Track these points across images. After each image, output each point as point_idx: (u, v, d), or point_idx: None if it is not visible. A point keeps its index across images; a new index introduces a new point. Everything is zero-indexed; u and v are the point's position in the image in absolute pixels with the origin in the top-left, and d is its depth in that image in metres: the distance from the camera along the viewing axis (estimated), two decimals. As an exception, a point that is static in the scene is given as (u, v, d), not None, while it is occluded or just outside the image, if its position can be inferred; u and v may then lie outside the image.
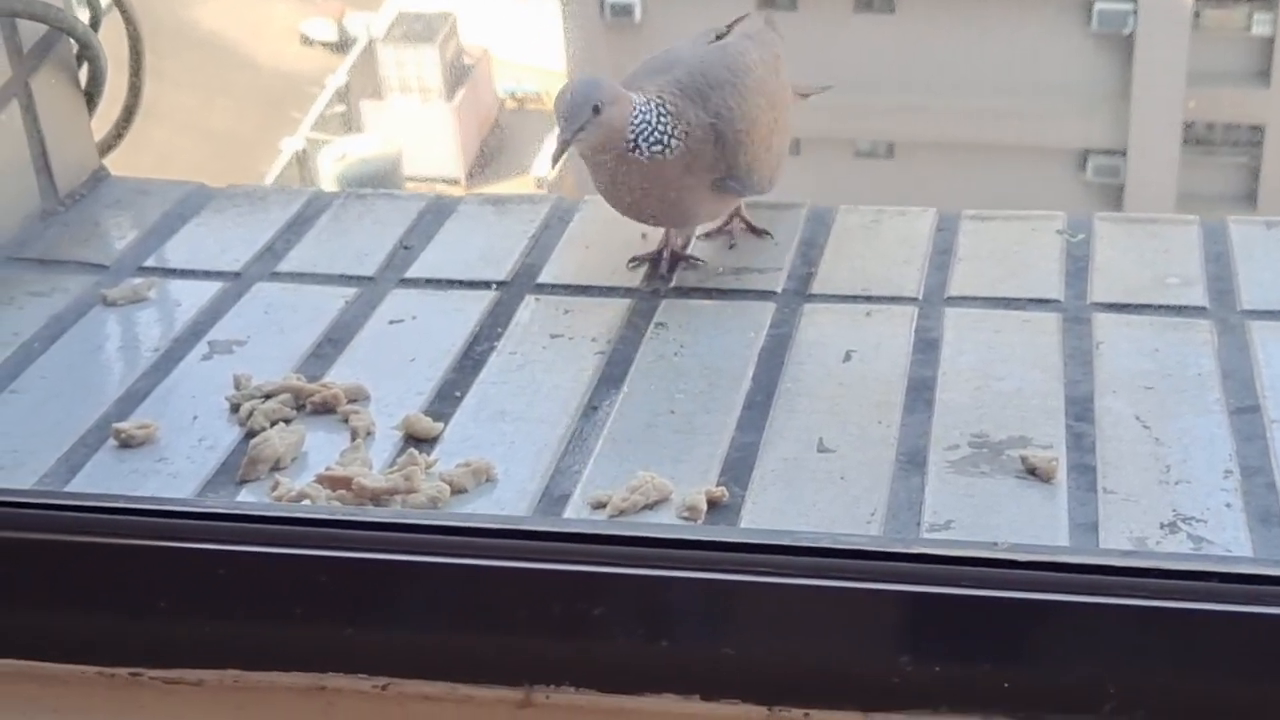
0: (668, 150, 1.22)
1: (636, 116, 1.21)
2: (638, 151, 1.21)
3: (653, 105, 1.22)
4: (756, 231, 1.31)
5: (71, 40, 1.37)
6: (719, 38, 1.33)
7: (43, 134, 1.35)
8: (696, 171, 1.24)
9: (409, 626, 0.91)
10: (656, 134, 1.22)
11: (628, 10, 8.56)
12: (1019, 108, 8.50)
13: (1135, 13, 8.23)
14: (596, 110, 1.19)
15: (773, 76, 1.32)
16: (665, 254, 1.27)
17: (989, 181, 8.21)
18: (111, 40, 1.40)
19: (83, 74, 1.40)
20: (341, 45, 9.12)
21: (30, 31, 1.33)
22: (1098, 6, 8.29)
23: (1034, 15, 8.41)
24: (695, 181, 1.24)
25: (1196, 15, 8.21)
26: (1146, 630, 0.84)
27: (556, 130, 1.20)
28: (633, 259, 1.27)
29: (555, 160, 1.21)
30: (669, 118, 1.22)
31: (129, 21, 1.40)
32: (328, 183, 8.16)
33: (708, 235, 1.31)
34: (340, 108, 8.78)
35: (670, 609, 0.89)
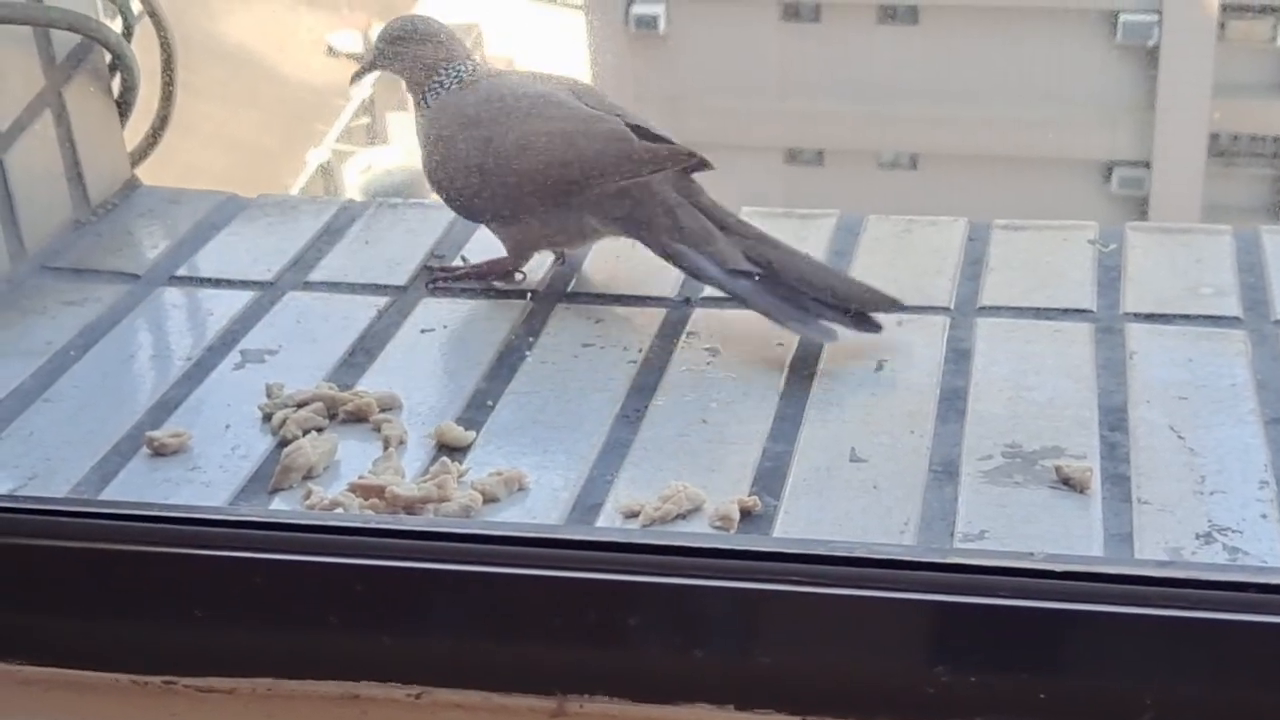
0: (437, 96, 1.25)
1: (445, 68, 1.24)
2: (423, 91, 1.26)
3: (456, 66, 1.25)
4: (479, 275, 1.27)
5: (104, 50, 1.37)
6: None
7: (75, 144, 1.35)
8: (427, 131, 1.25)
9: (442, 635, 0.91)
10: (444, 85, 1.25)
11: (653, 22, 8.56)
12: (1043, 119, 8.48)
13: (1160, 24, 8.21)
14: (412, 40, 1.23)
15: (566, 133, 1.21)
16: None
17: (1013, 193, 8.19)
18: (142, 50, 1.41)
19: (115, 84, 1.40)
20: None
21: (63, 42, 1.33)
22: (1123, 18, 8.26)
23: (1058, 27, 8.39)
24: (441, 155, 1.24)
25: (1221, 27, 8.18)
26: (1183, 641, 0.84)
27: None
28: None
29: (354, 77, 1.29)
30: (454, 84, 1.25)
31: (161, 30, 1.40)
32: (353, 194, 8.17)
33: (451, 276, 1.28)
34: (365, 119, 8.80)
35: (704, 618, 0.89)
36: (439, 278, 1.27)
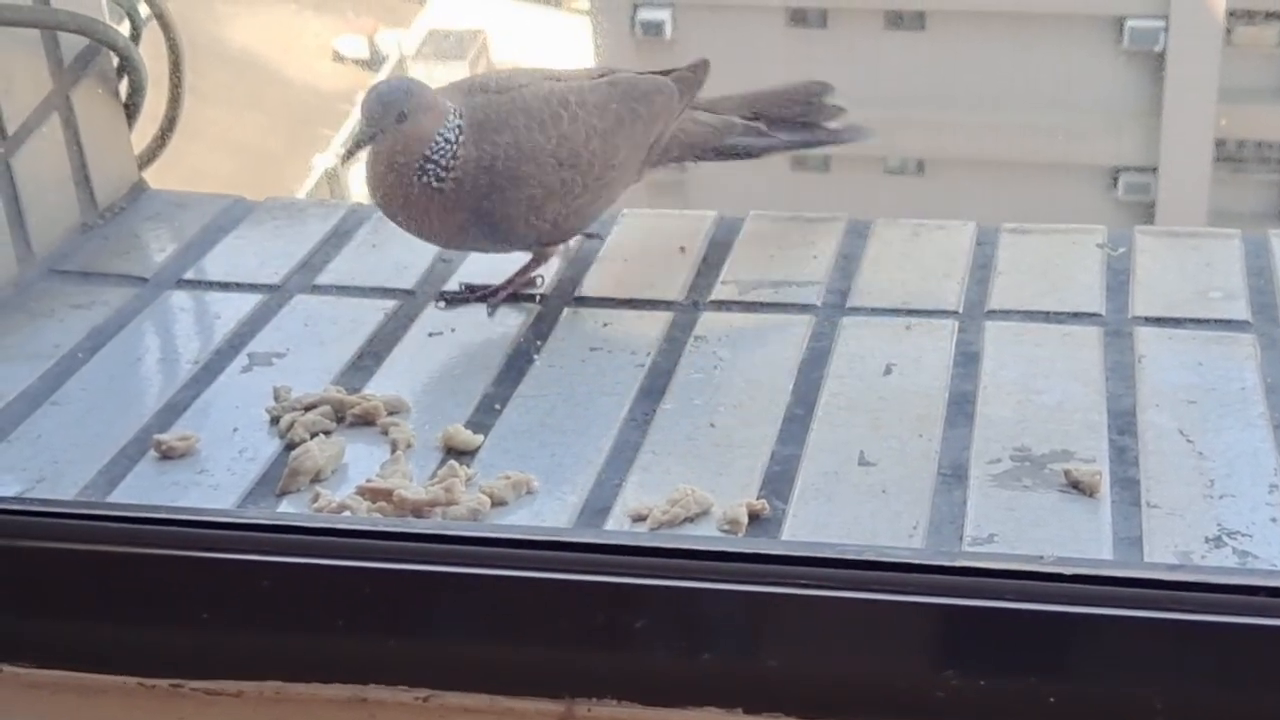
0: (444, 184, 1.18)
1: (440, 136, 1.17)
2: (423, 176, 1.17)
3: (453, 125, 1.17)
4: (520, 297, 1.24)
5: (112, 54, 1.37)
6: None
7: (83, 147, 1.35)
8: (459, 208, 1.19)
9: (450, 638, 0.91)
10: (445, 160, 1.17)
11: (658, 28, 8.56)
12: (1049, 125, 8.48)
13: (1167, 30, 8.21)
14: (401, 117, 1.15)
15: (591, 139, 1.22)
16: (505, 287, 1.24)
17: (1019, 199, 8.19)
18: (149, 54, 1.41)
19: (123, 87, 1.40)
20: (373, 62, 9.14)
21: (71, 45, 1.33)
22: (1129, 24, 8.26)
23: (1065, 32, 8.39)
24: (458, 218, 1.20)
25: (1228, 32, 8.18)
26: (1192, 645, 0.84)
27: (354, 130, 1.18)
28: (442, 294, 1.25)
29: (344, 160, 1.21)
30: (455, 146, 1.17)
31: (169, 34, 1.40)
32: (358, 199, 8.18)
33: (489, 296, 1.25)
34: (371, 124, 8.81)
35: (712, 622, 0.88)
36: (481, 299, 1.24)
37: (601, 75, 1.27)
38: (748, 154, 1.33)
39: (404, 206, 1.20)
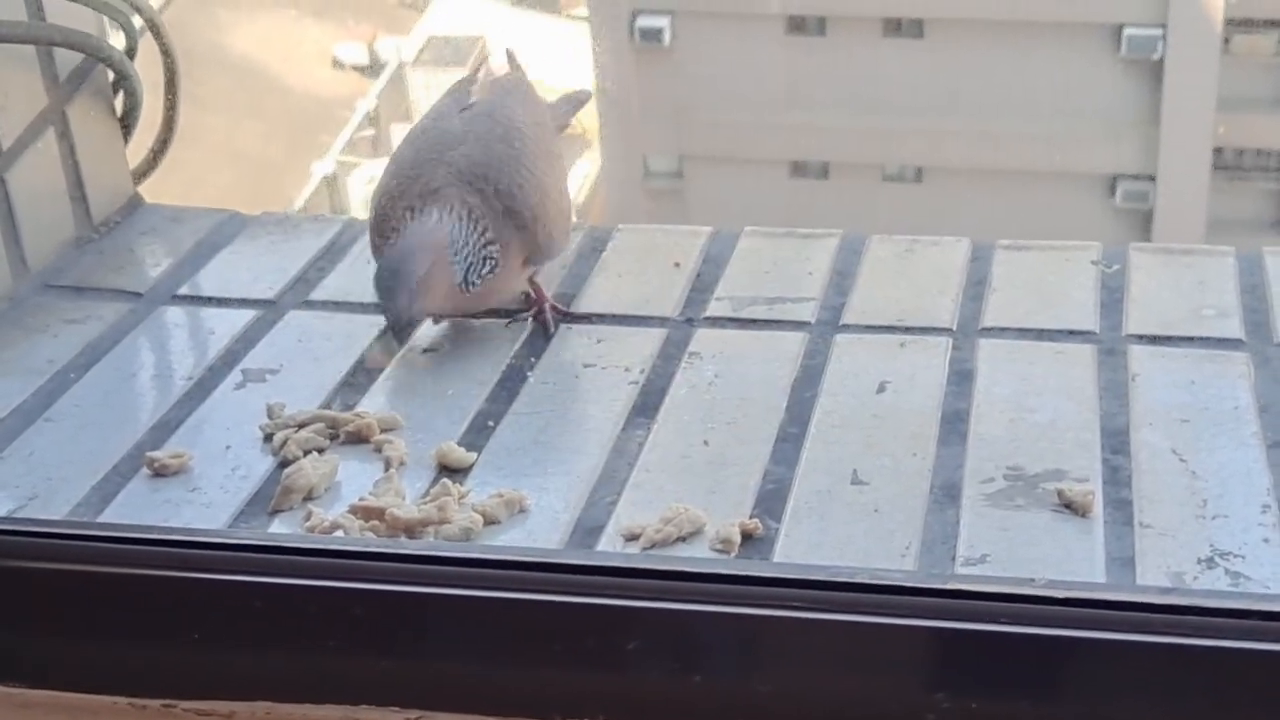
0: (495, 265, 1.17)
1: (455, 255, 1.15)
2: (471, 286, 1.17)
3: (463, 227, 1.16)
4: (563, 314, 1.25)
5: (108, 69, 1.37)
6: (464, 90, 1.28)
7: (78, 161, 1.35)
8: (509, 267, 1.19)
9: (442, 659, 0.91)
10: (480, 259, 1.16)
11: (657, 34, 8.57)
12: (1048, 132, 8.49)
13: (1165, 38, 8.22)
14: (411, 296, 1.13)
15: (540, 128, 1.26)
16: (547, 308, 1.24)
17: (1018, 206, 8.19)
18: (146, 66, 1.41)
19: (118, 102, 1.40)
20: (372, 69, 9.15)
21: (67, 60, 1.33)
22: (1127, 31, 8.27)
23: (1063, 40, 8.40)
24: (510, 274, 1.20)
25: (1226, 41, 8.19)
26: (1185, 668, 0.84)
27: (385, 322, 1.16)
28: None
29: (401, 342, 1.16)
30: (478, 233, 1.16)
31: (166, 53, 1.40)
32: (357, 206, 8.18)
33: (512, 320, 1.24)
34: (370, 131, 8.82)
35: (704, 643, 0.88)
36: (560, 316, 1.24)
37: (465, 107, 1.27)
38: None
39: (478, 305, 1.21)
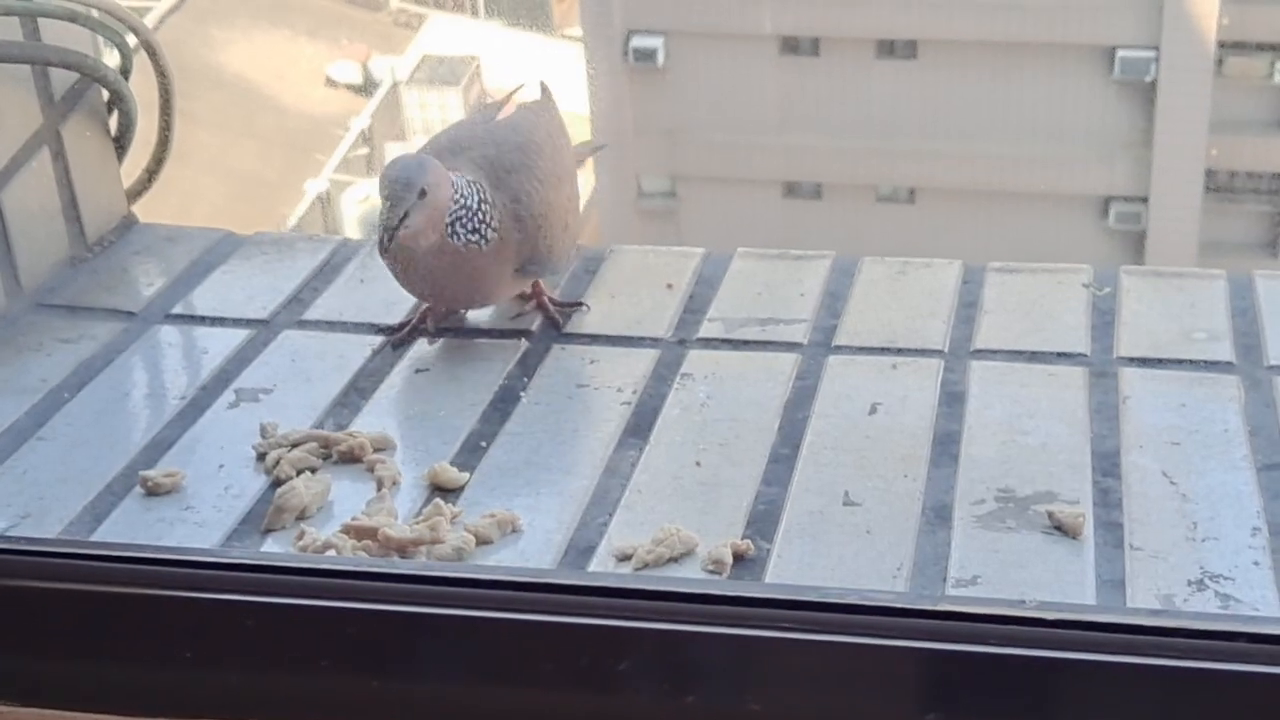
0: (483, 241, 1.19)
1: (457, 200, 1.17)
2: (455, 238, 1.18)
3: (473, 190, 1.18)
4: (565, 306, 1.27)
5: (102, 89, 1.38)
6: (492, 110, 1.31)
7: (72, 181, 1.35)
8: (502, 260, 1.21)
9: (434, 679, 0.91)
10: (475, 222, 1.18)
11: (651, 55, 8.59)
12: (1041, 154, 8.51)
13: (1158, 60, 8.25)
14: (423, 193, 1.15)
15: (559, 151, 1.29)
16: (428, 323, 1.25)
17: (1011, 228, 8.21)
18: (140, 85, 1.41)
19: (113, 121, 1.41)
20: (366, 88, 9.17)
21: (62, 80, 1.34)
22: (1120, 54, 8.30)
23: (1056, 62, 8.43)
24: (500, 269, 1.21)
25: (1219, 63, 8.22)
26: (1174, 690, 0.84)
27: (381, 215, 1.16)
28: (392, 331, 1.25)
29: (383, 250, 1.16)
30: (487, 205, 1.19)
31: (161, 73, 1.41)
32: (350, 224, 8.19)
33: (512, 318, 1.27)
34: (364, 150, 8.83)
35: (696, 664, 0.89)
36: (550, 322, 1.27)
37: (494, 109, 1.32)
38: None
39: (454, 278, 1.20)
